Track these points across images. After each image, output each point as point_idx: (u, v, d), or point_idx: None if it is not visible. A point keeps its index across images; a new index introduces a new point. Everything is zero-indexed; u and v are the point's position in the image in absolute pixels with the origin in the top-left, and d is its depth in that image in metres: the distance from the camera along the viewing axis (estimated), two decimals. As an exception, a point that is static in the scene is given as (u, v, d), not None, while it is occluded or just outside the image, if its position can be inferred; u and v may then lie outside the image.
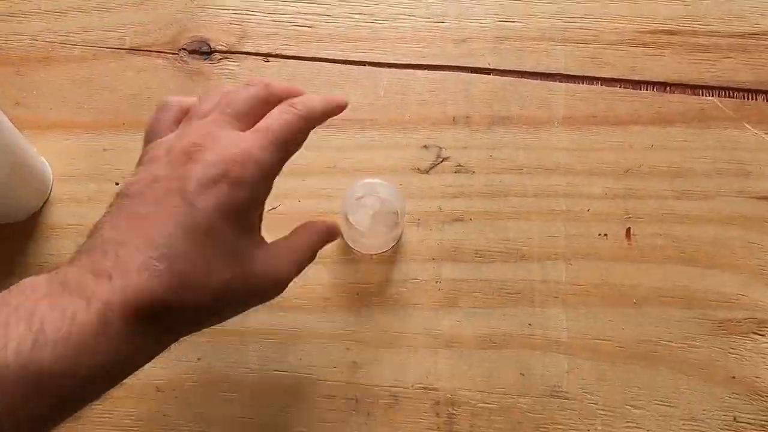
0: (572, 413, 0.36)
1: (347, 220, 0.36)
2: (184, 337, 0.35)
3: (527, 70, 0.44)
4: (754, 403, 0.36)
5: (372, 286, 0.38)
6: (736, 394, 0.37)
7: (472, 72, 0.43)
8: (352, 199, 0.37)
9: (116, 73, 0.42)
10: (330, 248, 0.39)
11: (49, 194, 0.39)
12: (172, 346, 0.35)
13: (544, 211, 0.40)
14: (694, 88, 0.44)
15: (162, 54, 0.43)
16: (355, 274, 0.38)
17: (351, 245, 0.39)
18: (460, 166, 0.41)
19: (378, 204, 0.38)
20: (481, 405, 0.36)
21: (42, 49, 0.43)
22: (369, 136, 0.41)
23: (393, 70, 0.43)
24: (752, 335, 0.38)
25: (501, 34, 0.44)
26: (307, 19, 0.44)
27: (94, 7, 0.44)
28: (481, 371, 0.37)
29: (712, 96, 0.43)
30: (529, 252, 0.39)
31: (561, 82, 0.43)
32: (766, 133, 0.42)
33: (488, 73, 0.43)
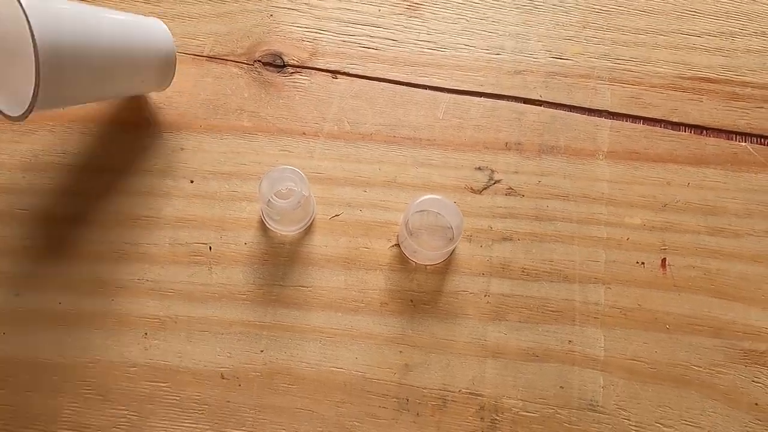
0: (606, 427, 0.39)
1: (407, 232, 0.39)
2: (249, 329, 0.38)
3: (575, 104, 0.47)
4: (774, 429, 0.39)
5: (425, 294, 0.41)
6: (759, 420, 0.39)
7: (524, 102, 0.47)
8: (414, 212, 0.40)
9: (195, 79, 0.45)
10: (389, 256, 0.41)
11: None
12: (238, 336, 0.38)
13: (586, 237, 0.43)
14: (729, 134, 0.47)
15: (238, 63, 0.46)
16: (411, 282, 0.41)
17: (408, 256, 0.41)
18: (510, 189, 0.44)
19: (436, 219, 0.40)
20: (522, 413, 0.38)
21: (126, 50, 0.46)
22: (427, 155, 0.44)
23: (452, 95, 0.46)
24: (774, 366, 0.41)
25: (553, 70, 0.47)
26: (373, 42, 0.48)
27: (177, 15, 0.47)
28: (524, 381, 0.39)
29: (745, 142, 0.47)
30: (571, 274, 0.42)
31: (606, 118, 0.47)
32: (793, 180, 0.45)
33: (539, 105, 0.47)
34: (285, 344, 0.39)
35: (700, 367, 0.40)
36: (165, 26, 0.41)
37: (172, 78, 0.42)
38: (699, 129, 0.47)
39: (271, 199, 0.37)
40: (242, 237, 0.41)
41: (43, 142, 0.43)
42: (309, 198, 0.39)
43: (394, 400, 0.38)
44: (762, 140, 0.47)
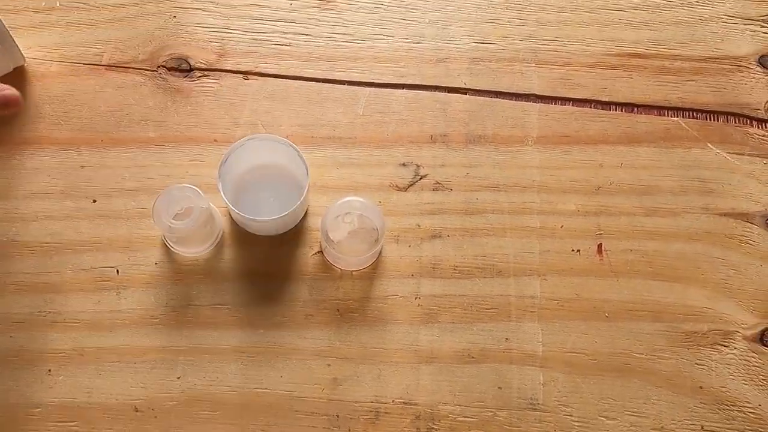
0: (548, 425, 0.37)
1: (328, 237, 0.37)
2: (163, 356, 0.35)
3: (501, 90, 0.45)
4: (720, 412, 0.38)
5: (352, 302, 0.39)
6: (704, 403, 0.38)
7: (448, 92, 0.45)
8: (333, 217, 0.38)
9: (95, 90, 0.42)
10: (311, 264, 0.39)
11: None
12: (152, 364, 0.35)
13: (518, 228, 0.41)
14: (660, 109, 0.46)
15: (141, 71, 0.43)
16: (336, 291, 0.39)
17: (332, 262, 0.39)
18: (438, 183, 0.42)
19: (357, 222, 0.38)
20: (460, 419, 0.37)
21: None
22: (348, 154, 0.42)
23: (372, 89, 0.44)
24: (717, 347, 0.39)
25: (476, 56, 0.45)
26: (285, 38, 0.45)
27: (71, 23, 0.44)
28: (460, 386, 0.37)
29: (677, 117, 0.45)
30: (505, 268, 0.40)
31: (534, 102, 0.45)
32: (727, 153, 0.44)
33: (464, 93, 0.45)
34: (203, 368, 0.36)
35: (642, 354, 0.39)
36: None
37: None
38: (630, 107, 0.45)
39: (170, 224, 0.34)
40: (152, 257, 0.38)
41: (-71, 170, 0.40)
42: (211, 214, 0.36)
43: (324, 417, 0.36)
44: (694, 114, 0.45)
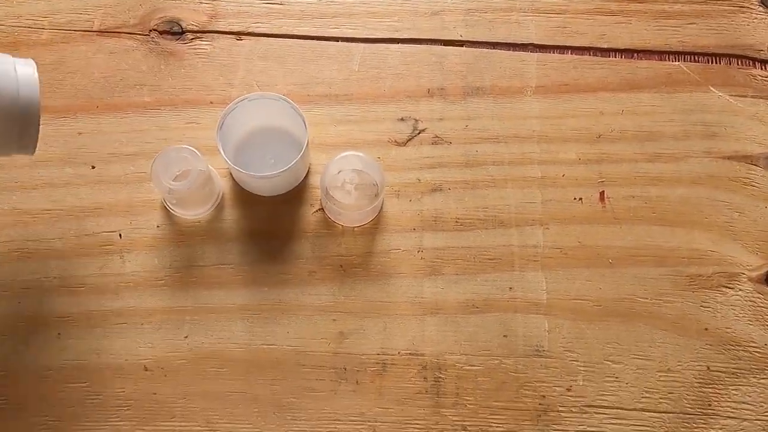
0: (554, 371, 0.37)
1: (328, 193, 0.37)
2: (170, 316, 0.35)
3: (499, 41, 0.44)
4: (725, 352, 0.38)
5: (355, 257, 0.39)
6: (709, 344, 0.38)
7: (444, 45, 0.44)
8: (332, 173, 0.38)
9: (87, 56, 0.42)
10: (313, 222, 0.39)
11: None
12: (158, 324, 0.35)
13: (519, 179, 0.41)
14: (661, 54, 0.45)
15: (133, 35, 0.43)
16: (338, 246, 0.39)
17: (333, 219, 0.39)
18: (436, 137, 0.42)
19: (357, 177, 0.38)
20: (467, 368, 0.37)
21: (8, 34, 0.42)
22: (345, 111, 0.42)
23: (366, 44, 0.43)
24: (722, 288, 0.39)
25: (471, 6, 0.45)
26: (278, -3, 0.44)
27: (62, -12, 0.43)
28: (466, 335, 0.37)
29: (678, 61, 0.45)
30: (507, 218, 0.40)
31: (532, 51, 0.44)
32: (729, 96, 0.44)
33: (461, 45, 0.44)
34: (210, 327, 0.37)
35: (647, 298, 0.39)
36: (32, 68, 0.30)
37: (36, 142, 0.30)
38: (629, 53, 0.45)
39: (169, 186, 0.34)
40: (153, 220, 0.38)
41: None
42: (209, 175, 0.36)
43: (332, 370, 0.36)
44: (695, 57, 0.45)
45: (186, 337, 0.36)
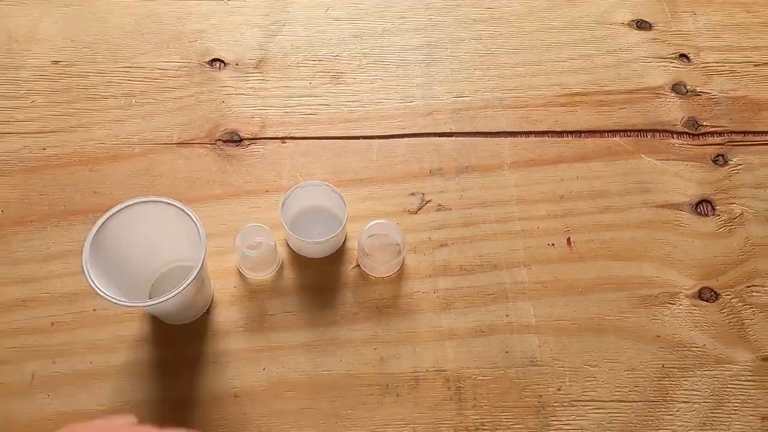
0: (546, 376, 0.48)
1: (363, 252, 0.49)
2: (250, 354, 0.46)
3: (479, 131, 0.58)
4: (675, 353, 0.50)
5: (387, 300, 0.50)
6: (662, 348, 0.50)
7: (438, 136, 0.58)
8: (365, 237, 0.50)
9: (170, 163, 0.55)
10: (352, 276, 0.51)
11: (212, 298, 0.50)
12: (241, 360, 0.46)
13: (505, 233, 0.54)
14: (602, 133, 0.59)
15: (203, 145, 0.56)
16: (374, 293, 0.51)
17: (368, 272, 0.51)
18: (440, 205, 0.55)
19: (384, 239, 0.51)
20: (480, 378, 0.48)
21: (109, 149, 0.55)
22: (369, 191, 0.55)
23: (381, 140, 0.57)
24: (667, 305, 0.52)
25: (456, 107, 0.59)
26: (310, 109, 0.58)
27: (145, 114, 0.57)
28: (476, 353, 0.49)
29: (615, 137, 0.59)
30: (499, 263, 0.52)
31: (505, 137, 0.58)
32: (656, 160, 0.58)
33: (451, 136, 0.58)
34: (281, 360, 0.48)
35: (611, 316, 0.51)
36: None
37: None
38: (578, 133, 0.59)
39: (244, 252, 0.47)
40: (231, 282, 0.50)
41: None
42: (275, 246, 0.49)
43: (377, 387, 0.47)
44: (628, 133, 0.59)
45: (264, 369, 0.47)
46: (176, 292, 0.39)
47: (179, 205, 0.42)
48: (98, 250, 0.40)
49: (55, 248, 0.50)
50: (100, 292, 0.38)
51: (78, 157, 0.55)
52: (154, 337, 0.48)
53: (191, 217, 0.41)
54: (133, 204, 0.42)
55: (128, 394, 0.46)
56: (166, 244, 0.46)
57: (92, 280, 0.38)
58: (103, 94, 0.58)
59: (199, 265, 0.40)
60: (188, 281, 0.39)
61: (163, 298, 0.39)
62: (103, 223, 0.41)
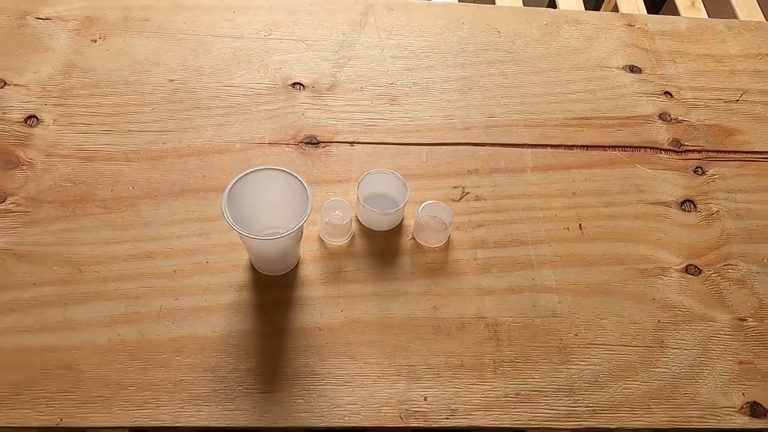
0: (566, 324, 0.60)
1: (420, 226, 0.62)
2: (330, 299, 0.59)
3: (507, 142, 0.73)
4: (668, 311, 0.62)
5: (438, 264, 0.63)
6: (657, 307, 0.62)
7: (475, 146, 0.73)
8: (421, 213, 0.64)
9: (263, 158, 0.69)
10: (409, 245, 0.64)
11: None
12: (323, 304, 0.58)
13: (530, 218, 0.67)
14: (604, 147, 0.74)
15: (289, 145, 0.70)
16: (427, 258, 0.63)
17: (422, 243, 0.64)
18: (477, 196, 0.68)
19: (435, 217, 0.64)
20: (513, 324, 0.60)
21: (215, 146, 0.69)
22: (421, 184, 0.69)
23: (429, 147, 0.72)
24: (660, 276, 0.64)
25: (489, 123, 0.74)
26: (372, 122, 0.73)
27: (243, 121, 0.72)
28: (509, 306, 0.61)
29: (616, 151, 0.74)
30: (525, 240, 0.66)
31: (527, 148, 0.73)
32: (649, 169, 0.72)
33: (484, 146, 0.73)
34: (355, 305, 0.60)
35: (616, 283, 0.64)
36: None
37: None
38: (585, 147, 0.74)
39: (332, 221, 0.60)
40: (314, 246, 0.63)
41: (170, 208, 0.65)
42: (350, 218, 0.62)
43: (431, 327, 0.59)
44: (625, 149, 0.74)
45: (342, 310, 0.59)
46: (290, 231, 0.52)
47: (292, 172, 0.55)
48: (230, 201, 0.53)
49: (176, 216, 0.64)
50: (233, 226, 0.51)
51: (191, 150, 0.69)
52: (255, 284, 0.60)
53: (300, 180, 0.55)
54: (260, 169, 0.55)
55: (234, 325, 0.58)
56: (274, 208, 0.59)
57: (227, 216, 0.51)
58: (208, 105, 0.73)
59: (306, 215, 0.53)
60: (299, 223, 0.52)
61: (280, 236, 0.52)
62: (237, 180, 0.54)
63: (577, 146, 0.74)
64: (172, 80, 0.74)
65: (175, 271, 0.60)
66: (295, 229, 0.52)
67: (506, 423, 0.55)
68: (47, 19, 0.78)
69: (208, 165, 0.68)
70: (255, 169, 0.55)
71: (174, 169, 0.67)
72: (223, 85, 0.74)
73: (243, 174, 0.54)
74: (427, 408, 0.55)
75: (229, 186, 0.53)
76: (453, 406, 0.55)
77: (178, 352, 0.56)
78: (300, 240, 0.60)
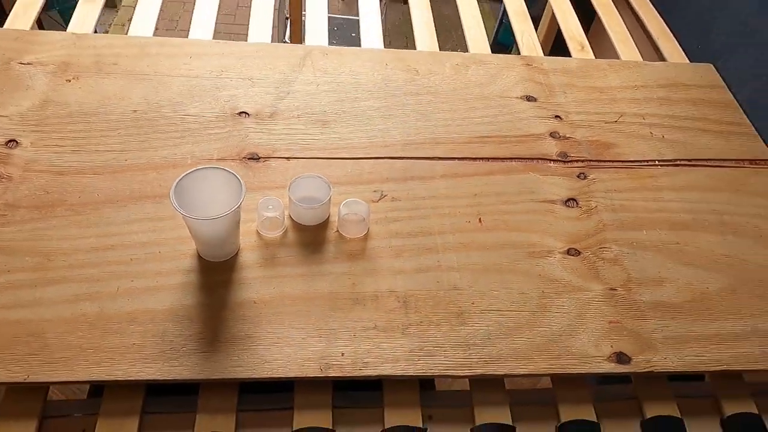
0: (464, 295, 0.72)
1: (342, 221, 0.74)
2: (267, 279, 0.70)
3: (420, 156, 0.87)
4: (551, 284, 0.74)
5: (358, 250, 0.75)
6: (542, 281, 0.74)
7: (393, 159, 0.86)
8: (344, 212, 0.76)
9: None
10: (334, 237, 0.76)
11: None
12: (259, 283, 0.69)
13: (437, 214, 0.80)
14: (503, 159, 0.88)
15: (234, 160, 0.83)
16: (349, 246, 0.75)
17: (344, 234, 0.76)
18: (393, 198, 0.81)
19: (357, 212, 0.76)
20: (419, 296, 0.71)
21: (170, 161, 0.81)
22: (346, 188, 0.81)
23: (353, 160, 0.85)
24: (546, 257, 0.77)
25: (406, 142, 0.88)
26: (305, 142, 0.87)
27: (194, 142, 0.84)
28: (416, 282, 0.73)
29: (512, 162, 0.88)
30: (432, 232, 0.78)
31: (438, 161, 0.87)
32: (540, 175, 0.86)
33: (401, 159, 0.86)
34: (286, 283, 0.71)
35: (508, 263, 0.76)
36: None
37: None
38: (487, 159, 0.88)
39: (267, 215, 0.72)
40: (252, 239, 0.74)
41: (129, 211, 0.76)
42: (283, 213, 0.74)
43: (350, 300, 0.70)
44: (521, 160, 0.88)
45: (274, 288, 0.70)
46: (228, 212, 0.63)
47: (229, 170, 0.68)
48: (178, 195, 0.65)
49: (134, 217, 0.75)
50: (178, 208, 0.62)
51: (149, 165, 0.81)
52: (200, 269, 0.71)
53: (236, 176, 0.67)
54: (201, 169, 0.67)
55: (181, 301, 0.68)
56: (217, 202, 0.70)
57: (173, 201, 0.63)
58: (165, 130, 0.85)
59: (240, 201, 0.65)
60: (236, 206, 0.64)
61: (218, 216, 0.63)
62: (185, 175, 0.66)
63: (480, 158, 0.88)
64: (135, 111, 0.87)
65: (131, 260, 0.71)
66: (231, 211, 0.64)
67: (410, 372, 0.65)
68: (29, 64, 0.92)
69: (163, 177, 0.80)
70: (200, 168, 0.67)
71: (134, 180, 0.79)
72: (178, 114, 0.88)
73: (190, 171, 0.66)
74: (343, 361, 0.65)
75: (177, 180, 0.65)
76: (366, 360, 0.65)
77: (132, 322, 0.65)
78: (238, 227, 0.71)
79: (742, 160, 0.94)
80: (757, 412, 0.69)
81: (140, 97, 0.89)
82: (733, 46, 1.08)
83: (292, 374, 0.64)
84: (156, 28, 1.06)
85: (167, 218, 0.75)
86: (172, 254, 0.72)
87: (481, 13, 1.17)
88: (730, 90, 1.05)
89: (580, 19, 1.19)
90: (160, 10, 1.09)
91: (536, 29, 1.25)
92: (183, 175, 0.66)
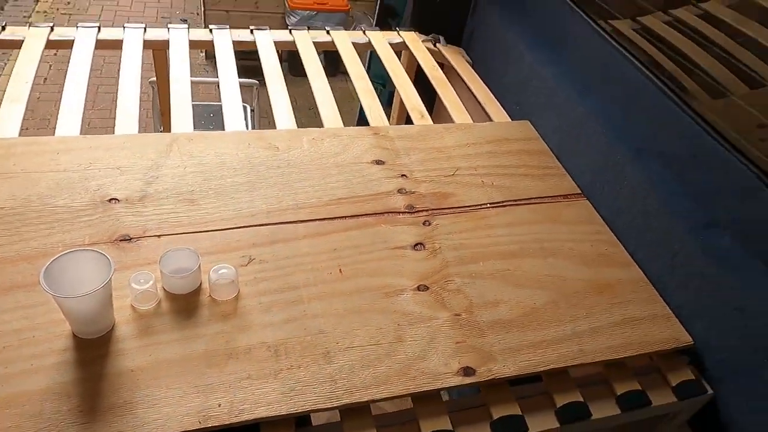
0: (330, 338, 0.81)
1: (212, 286, 0.82)
2: (140, 348, 0.75)
3: (283, 221, 0.97)
4: (405, 316, 0.85)
5: (230, 310, 0.82)
6: (397, 316, 0.85)
7: (258, 227, 0.95)
8: (214, 278, 0.83)
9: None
10: (207, 301, 0.83)
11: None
12: (135, 352, 0.75)
13: (301, 270, 0.89)
14: (358, 216, 1.00)
15: (106, 243, 0.88)
16: (221, 308, 0.82)
17: (216, 297, 0.83)
18: (261, 260, 0.90)
19: (226, 276, 0.84)
20: (289, 343, 0.79)
21: (41, 251, 0.85)
22: (217, 257, 0.89)
23: (222, 231, 0.93)
24: (399, 295, 0.88)
25: (270, 210, 0.98)
26: (176, 219, 0.94)
27: (65, 231, 0.89)
28: (286, 331, 0.81)
29: (367, 217, 1.00)
30: (298, 286, 0.87)
31: (300, 224, 0.97)
32: (389, 226, 0.99)
33: (266, 225, 0.96)
34: (162, 350, 0.76)
35: (367, 304, 0.86)
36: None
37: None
38: (343, 217, 1.00)
39: (139, 289, 0.78)
40: (126, 312, 0.80)
41: (1, 303, 0.79)
42: (155, 285, 0.80)
43: (224, 355, 0.77)
44: (373, 215, 1.01)
45: (150, 355, 0.75)
46: (96, 288, 0.69)
47: (96, 250, 0.74)
48: (49, 279, 0.70)
49: (5, 307, 0.78)
50: (47, 289, 0.67)
51: (19, 257, 0.84)
52: (76, 346, 0.75)
53: (103, 254, 0.73)
54: (69, 252, 0.73)
55: (57, 379, 0.71)
56: (87, 281, 0.75)
57: (43, 283, 0.67)
58: (35, 223, 0.89)
59: (109, 276, 0.71)
60: (104, 282, 0.70)
61: (87, 293, 0.69)
62: (52, 261, 0.71)
63: (337, 217, 0.99)
64: (2, 208, 0.91)
65: (4, 348, 0.73)
66: (99, 288, 0.70)
67: (283, 411, 0.72)
68: None
69: (34, 266, 0.83)
70: (68, 251, 0.73)
71: (5, 273, 0.82)
72: (47, 207, 0.92)
73: (59, 255, 0.72)
74: (221, 411, 0.71)
75: (47, 264, 0.70)
76: (242, 407, 0.72)
77: (7, 407, 0.68)
78: (111, 302, 0.76)
79: (557, 195, 1.12)
80: (582, 400, 0.82)
81: (7, 194, 0.93)
82: (542, 106, 1.30)
83: (171, 431, 0.68)
84: (25, 128, 1.10)
85: (40, 304, 0.78)
86: (46, 337, 0.75)
87: (352, 92, 1.33)
88: (544, 140, 1.26)
89: (423, 94, 1.38)
90: (29, 110, 1.14)
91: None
92: (52, 259, 0.71)
